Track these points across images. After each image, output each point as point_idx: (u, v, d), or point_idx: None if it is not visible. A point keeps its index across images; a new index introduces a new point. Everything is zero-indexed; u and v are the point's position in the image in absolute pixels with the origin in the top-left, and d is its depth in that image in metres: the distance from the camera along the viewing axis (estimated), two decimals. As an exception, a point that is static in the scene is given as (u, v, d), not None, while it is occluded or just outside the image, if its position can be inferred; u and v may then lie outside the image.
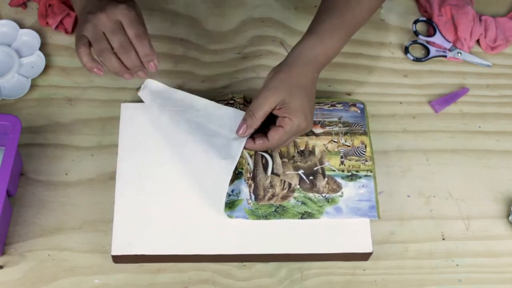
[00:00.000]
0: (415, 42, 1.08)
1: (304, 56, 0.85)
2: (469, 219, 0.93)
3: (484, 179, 0.97)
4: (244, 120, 0.84)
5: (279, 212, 0.87)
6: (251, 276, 0.87)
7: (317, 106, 0.96)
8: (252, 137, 0.86)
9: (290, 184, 0.89)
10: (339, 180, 0.90)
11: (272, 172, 0.90)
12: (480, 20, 1.09)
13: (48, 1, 1.03)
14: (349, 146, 0.93)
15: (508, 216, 0.93)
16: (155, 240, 0.85)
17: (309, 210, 0.87)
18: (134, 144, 0.91)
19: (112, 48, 0.81)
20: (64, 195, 0.90)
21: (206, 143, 0.86)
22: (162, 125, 0.90)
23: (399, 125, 1.00)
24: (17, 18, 1.04)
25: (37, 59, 1.00)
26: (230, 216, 0.86)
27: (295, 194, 0.88)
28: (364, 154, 0.92)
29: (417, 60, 1.06)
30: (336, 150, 0.92)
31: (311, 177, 0.90)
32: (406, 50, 1.07)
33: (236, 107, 0.94)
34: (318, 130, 0.94)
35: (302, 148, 0.92)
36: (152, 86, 0.94)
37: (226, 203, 0.87)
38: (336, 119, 0.95)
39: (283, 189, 0.89)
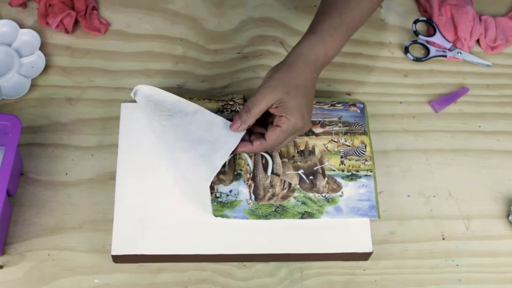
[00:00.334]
0: (415, 42, 1.08)
1: (304, 56, 0.85)
2: (469, 219, 0.93)
3: (484, 179, 0.97)
4: (239, 115, 0.84)
5: (279, 212, 0.87)
6: (251, 276, 0.87)
7: (317, 106, 0.96)
8: (248, 139, 0.86)
9: (290, 184, 0.89)
10: (339, 180, 0.90)
11: (272, 172, 0.90)
12: (480, 20, 1.09)
13: (48, 1, 1.04)
14: (349, 146, 0.93)
15: (508, 216, 0.93)
16: (155, 240, 0.85)
17: (309, 210, 0.87)
18: (134, 144, 0.91)
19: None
20: (64, 195, 0.90)
21: (190, 150, 0.86)
22: (154, 130, 0.90)
23: (399, 124, 1.00)
24: (17, 18, 1.04)
25: (37, 59, 1.00)
26: (228, 217, 0.86)
27: (295, 194, 0.88)
28: (364, 154, 0.92)
29: (417, 60, 1.06)
30: (336, 150, 0.92)
31: (311, 177, 0.90)
32: (406, 50, 1.07)
33: (235, 108, 0.94)
34: (318, 129, 0.94)
35: (302, 148, 0.92)
36: (144, 90, 0.92)
37: (224, 203, 0.87)
38: (336, 119, 0.95)
39: (283, 189, 0.89)
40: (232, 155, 0.88)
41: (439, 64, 1.07)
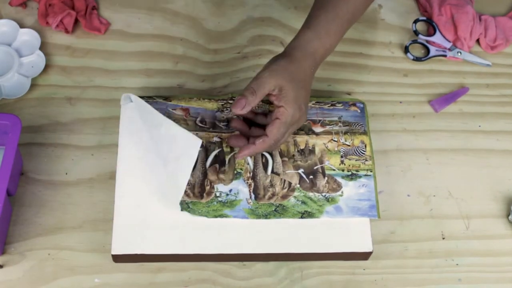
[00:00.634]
0: (415, 41, 1.08)
1: (302, 50, 0.86)
2: (469, 219, 0.93)
3: (484, 178, 0.97)
4: (244, 96, 0.83)
5: (279, 211, 0.87)
6: (251, 275, 0.87)
7: (317, 106, 0.96)
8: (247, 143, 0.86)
9: (290, 183, 0.89)
10: (339, 179, 0.90)
11: (272, 171, 0.90)
12: (480, 19, 1.09)
13: (48, 0, 1.04)
14: (349, 145, 0.93)
15: (508, 215, 0.93)
16: (155, 239, 0.85)
17: (309, 210, 0.87)
18: (134, 144, 0.90)
19: None
20: (64, 195, 0.90)
21: (160, 169, 0.86)
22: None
23: (399, 124, 1.00)
24: (17, 18, 1.04)
25: (37, 59, 1.00)
26: (228, 216, 0.86)
27: (295, 193, 0.88)
28: (364, 153, 0.92)
29: (417, 59, 1.06)
30: (336, 149, 0.92)
31: (311, 176, 0.90)
32: (406, 50, 1.07)
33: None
34: (318, 129, 0.94)
35: (302, 147, 0.92)
36: (132, 98, 0.91)
37: (224, 203, 0.87)
38: (336, 119, 0.95)
39: (283, 188, 0.89)
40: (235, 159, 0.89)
41: (439, 63, 1.07)
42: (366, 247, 0.86)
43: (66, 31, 1.03)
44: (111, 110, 0.96)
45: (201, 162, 0.90)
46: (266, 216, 0.87)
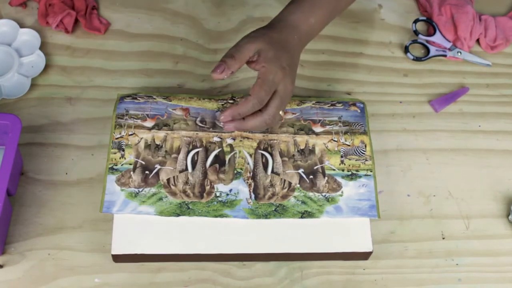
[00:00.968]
0: (415, 41, 1.08)
1: (284, 21, 0.86)
2: (469, 219, 0.93)
3: (484, 178, 0.97)
4: (223, 61, 0.83)
5: (279, 211, 0.87)
6: (251, 275, 0.87)
7: (317, 106, 0.96)
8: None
9: (290, 183, 0.89)
10: (339, 179, 0.90)
11: (272, 171, 0.90)
12: (480, 19, 1.09)
13: (48, 0, 1.04)
14: (349, 145, 0.93)
15: (508, 215, 0.93)
16: (155, 239, 0.85)
17: (309, 210, 0.87)
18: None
19: None
20: (64, 195, 0.90)
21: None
22: None
23: (399, 124, 1.00)
24: (17, 18, 1.04)
25: (37, 59, 1.00)
26: (228, 216, 0.86)
27: (295, 193, 0.88)
28: (364, 153, 0.92)
29: (417, 59, 1.06)
30: (336, 149, 0.92)
31: (311, 176, 0.90)
32: (406, 50, 1.07)
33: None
34: (318, 129, 0.94)
35: (302, 147, 0.92)
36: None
37: (224, 203, 0.87)
38: (336, 119, 0.95)
39: (283, 188, 0.89)
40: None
41: (439, 63, 1.07)
42: (366, 247, 0.86)
43: (66, 31, 1.03)
44: (111, 110, 0.96)
45: (201, 162, 0.90)
46: (266, 216, 0.87)
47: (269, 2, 1.11)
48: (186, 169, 0.89)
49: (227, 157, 0.90)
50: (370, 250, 0.86)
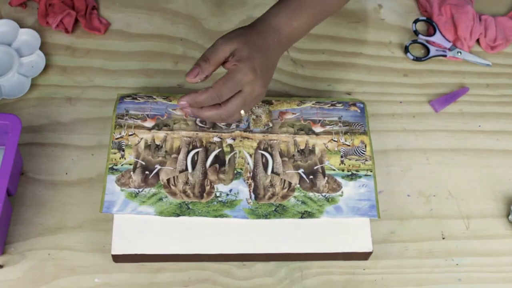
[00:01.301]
0: (415, 41, 1.08)
1: (265, 22, 0.85)
2: (469, 219, 0.93)
3: (484, 178, 0.97)
4: (198, 64, 0.82)
5: (279, 211, 0.87)
6: (251, 275, 0.87)
7: (317, 106, 0.96)
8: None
9: (290, 183, 0.89)
10: (339, 179, 0.90)
11: (272, 171, 0.90)
12: (480, 19, 1.09)
13: (48, 0, 1.04)
14: (349, 145, 0.93)
15: (508, 215, 0.93)
16: (155, 239, 0.85)
17: (309, 210, 0.87)
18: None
19: None
20: (64, 195, 0.90)
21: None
22: None
23: (399, 124, 1.00)
24: (17, 18, 1.04)
25: (37, 59, 1.00)
26: (228, 216, 0.86)
27: (295, 193, 0.88)
28: (364, 153, 0.92)
29: (417, 59, 1.06)
30: (336, 149, 0.92)
31: (311, 176, 0.90)
32: (406, 50, 1.07)
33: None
34: (318, 129, 0.94)
35: (302, 147, 0.92)
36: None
37: (224, 203, 0.87)
38: (336, 119, 0.95)
39: (283, 188, 0.89)
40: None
41: (439, 63, 1.07)
42: (366, 247, 0.86)
43: (66, 31, 1.03)
44: (111, 110, 0.96)
45: (201, 162, 0.90)
46: (266, 216, 0.87)
47: (269, 2, 1.10)
48: (186, 169, 0.89)
49: (227, 157, 0.90)
50: (370, 250, 0.86)
